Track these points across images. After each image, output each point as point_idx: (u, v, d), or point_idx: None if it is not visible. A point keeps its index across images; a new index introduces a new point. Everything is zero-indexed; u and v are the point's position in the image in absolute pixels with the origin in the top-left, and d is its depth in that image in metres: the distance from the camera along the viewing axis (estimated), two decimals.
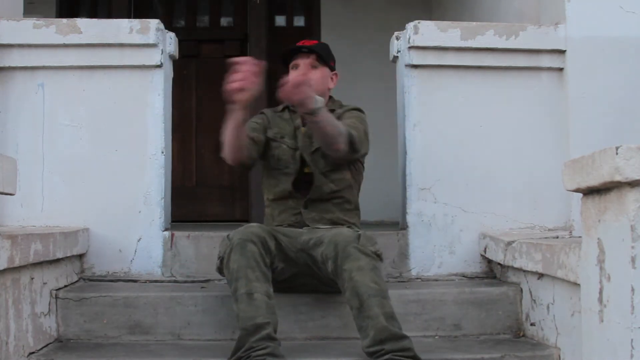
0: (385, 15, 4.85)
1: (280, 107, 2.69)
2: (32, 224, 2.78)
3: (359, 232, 2.25)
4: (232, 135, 2.38)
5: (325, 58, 2.61)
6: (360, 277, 2.12)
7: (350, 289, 2.13)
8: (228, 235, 2.26)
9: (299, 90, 2.22)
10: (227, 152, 2.42)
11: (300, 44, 2.63)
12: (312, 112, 2.28)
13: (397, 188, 2.99)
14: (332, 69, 2.66)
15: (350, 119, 2.56)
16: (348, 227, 2.42)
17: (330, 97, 2.68)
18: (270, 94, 4.65)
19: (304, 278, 2.41)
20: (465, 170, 2.86)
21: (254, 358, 2.02)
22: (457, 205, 2.85)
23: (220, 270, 2.29)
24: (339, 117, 2.53)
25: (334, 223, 2.50)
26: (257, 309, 2.10)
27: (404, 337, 2.08)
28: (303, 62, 2.58)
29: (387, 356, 2.03)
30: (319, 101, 2.31)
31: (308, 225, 2.47)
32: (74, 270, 2.66)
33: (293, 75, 2.53)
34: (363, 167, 2.69)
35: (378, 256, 2.24)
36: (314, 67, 2.58)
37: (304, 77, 2.42)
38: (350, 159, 2.54)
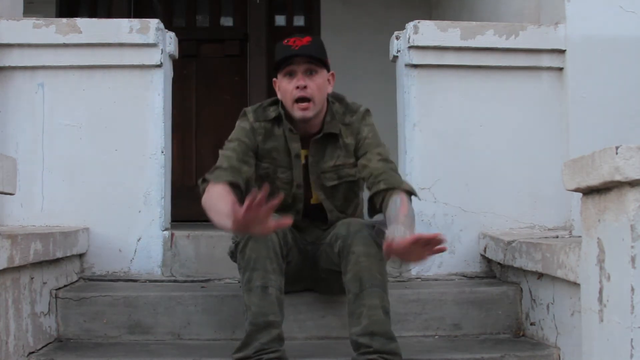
0: (385, 15, 4.85)
1: (271, 114, 2.32)
2: (32, 223, 2.78)
3: (374, 224, 2.19)
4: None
5: (323, 61, 2.24)
6: (367, 264, 2.07)
7: (354, 272, 2.07)
8: None
9: (421, 250, 1.86)
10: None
11: (292, 40, 2.22)
12: None
13: None
14: (329, 69, 2.30)
15: (377, 148, 2.26)
16: None
17: (328, 101, 2.32)
18: (269, 91, 4.69)
19: (309, 272, 2.37)
20: (465, 170, 2.86)
21: None
22: (457, 205, 2.85)
23: (232, 254, 2.24)
24: (358, 145, 2.28)
25: None
26: (271, 305, 2.04)
27: (394, 339, 2.04)
28: (300, 69, 2.20)
29: (374, 356, 1.99)
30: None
31: None
32: (74, 270, 2.66)
33: (292, 88, 2.19)
34: None
35: None
36: (312, 72, 2.21)
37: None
38: None
